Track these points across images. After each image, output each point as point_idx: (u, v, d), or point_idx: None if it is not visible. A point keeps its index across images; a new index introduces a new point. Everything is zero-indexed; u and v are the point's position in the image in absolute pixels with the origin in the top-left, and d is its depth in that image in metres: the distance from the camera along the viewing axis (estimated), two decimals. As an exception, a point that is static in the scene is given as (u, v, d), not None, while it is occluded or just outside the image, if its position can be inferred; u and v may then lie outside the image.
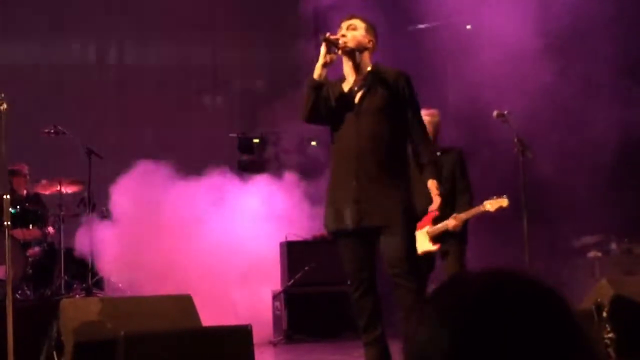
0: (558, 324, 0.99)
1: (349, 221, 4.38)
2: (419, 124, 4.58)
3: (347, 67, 4.51)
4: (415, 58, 8.30)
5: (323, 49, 4.34)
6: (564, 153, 7.86)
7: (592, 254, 8.46)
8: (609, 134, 7.84)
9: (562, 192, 7.85)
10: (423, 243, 5.86)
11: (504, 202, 5.72)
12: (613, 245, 8.48)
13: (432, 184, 4.52)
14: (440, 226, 5.84)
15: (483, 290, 1.01)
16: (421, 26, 9.14)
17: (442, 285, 1.08)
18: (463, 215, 5.84)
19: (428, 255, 5.85)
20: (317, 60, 4.40)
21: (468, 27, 8.97)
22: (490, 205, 5.79)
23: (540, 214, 6.34)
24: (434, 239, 5.86)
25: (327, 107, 4.41)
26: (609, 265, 8.21)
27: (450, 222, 5.82)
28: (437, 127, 5.88)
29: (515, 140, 5.68)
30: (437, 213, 5.84)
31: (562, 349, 0.98)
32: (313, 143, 8.97)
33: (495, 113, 5.79)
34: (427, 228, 5.88)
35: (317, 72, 4.35)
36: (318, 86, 4.35)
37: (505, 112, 5.74)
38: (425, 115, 5.83)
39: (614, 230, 8.45)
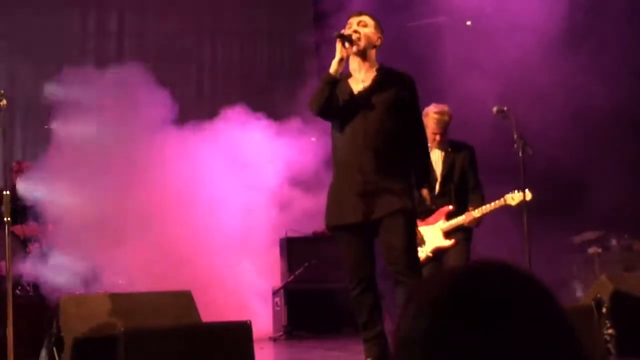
0: (538, 314, 0.99)
1: (353, 215, 4.39)
2: (420, 131, 4.67)
3: (355, 64, 4.55)
4: (416, 53, 8.30)
5: (339, 45, 4.39)
6: (565, 149, 7.85)
7: (592, 250, 8.47)
8: (613, 130, 7.83)
9: (562, 188, 7.85)
10: (437, 239, 5.83)
11: (527, 195, 5.69)
12: (613, 242, 8.49)
13: (425, 193, 4.66)
14: (455, 222, 5.81)
15: (459, 281, 1.02)
16: (423, 22, 9.13)
17: (426, 278, 1.09)
18: (485, 208, 5.80)
19: (439, 251, 5.82)
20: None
21: (468, 23, 8.96)
22: (512, 199, 5.77)
23: (540, 210, 6.33)
24: (447, 234, 5.83)
25: (337, 103, 4.46)
26: (609, 261, 8.22)
27: (467, 217, 5.80)
28: (446, 124, 5.84)
29: (515, 136, 5.67)
30: (450, 209, 5.83)
31: (539, 339, 0.98)
32: (313, 139, 8.96)
33: (495, 109, 5.78)
34: (441, 223, 5.85)
35: (334, 67, 4.41)
36: (334, 82, 4.41)
37: (505, 108, 5.72)
38: (435, 112, 5.82)
39: (614, 226, 8.45)
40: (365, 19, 4.54)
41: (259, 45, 10.98)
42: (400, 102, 4.48)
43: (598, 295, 5.34)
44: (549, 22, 7.84)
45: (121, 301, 4.82)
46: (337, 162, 4.55)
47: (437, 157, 5.88)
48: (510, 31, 7.86)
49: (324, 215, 4.60)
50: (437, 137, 5.84)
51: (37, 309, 6.07)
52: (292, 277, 8.11)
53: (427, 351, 0.98)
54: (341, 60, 4.40)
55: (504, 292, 1.00)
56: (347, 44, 4.41)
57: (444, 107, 5.87)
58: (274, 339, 7.90)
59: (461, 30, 8.85)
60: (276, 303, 8.21)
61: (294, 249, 8.32)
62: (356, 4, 7.29)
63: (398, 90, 4.49)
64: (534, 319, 0.98)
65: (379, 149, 4.40)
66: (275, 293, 8.24)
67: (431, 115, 5.82)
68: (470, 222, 5.80)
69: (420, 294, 1.03)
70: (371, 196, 4.38)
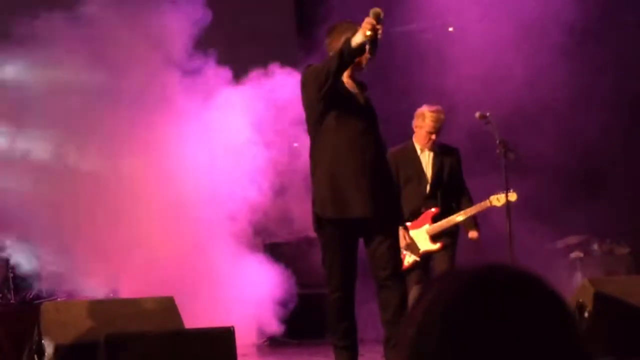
0: (549, 316, 1.00)
1: (362, 209, 4.33)
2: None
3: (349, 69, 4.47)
4: (398, 60, 8.32)
5: (367, 37, 4.07)
6: (548, 154, 7.89)
7: (574, 254, 8.50)
8: (590, 137, 7.87)
9: (544, 192, 7.88)
10: (423, 242, 5.81)
11: (512, 196, 5.70)
12: (595, 246, 8.53)
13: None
14: (444, 222, 5.81)
15: (472, 283, 1.01)
16: (404, 28, 9.16)
17: (433, 281, 1.08)
18: (468, 211, 5.81)
19: (426, 254, 5.81)
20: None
21: (450, 29, 8.99)
22: (498, 200, 5.78)
23: (523, 215, 6.36)
24: (434, 237, 5.82)
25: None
26: (591, 265, 8.26)
27: (461, 216, 5.80)
28: (442, 122, 5.83)
29: (498, 141, 5.69)
30: (436, 211, 5.83)
31: (553, 341, 0.98)
32: (295, 144, 8.95)
33: (477, 114, 5.80)
34: (427, 227, 5.84)
35: (358, 42, 4.08)
36: (361, 52, 4.14)
37: (488, 114, 5.74)
38: (432, 111, 5.80)
39: (596, 231, 8.49)
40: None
41: None
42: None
43: (580, 300, 5.37)
44: (537, 25, 7.87)
45: (103, 307, 4.80)
46: (338, 152, 4.35)
47: (427, 159, 5.88)
48: (494, 35, 7.89)
49: (321, 203, 4.38)
50: (433, 137, 5.81)
51: (17, 315, 6.02)
52: (275, 283, 8.09)
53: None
54: (363, 42, 4.07)
55: (519, 300, 0.99)
56: (368, 47, 4.11)
57: (439, 107, 5.86)
58: (258, 345, 7.87)
59: (444, 36, 8.88)
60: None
61: (277, 255, 8.29)
62: (342, 10, 7.28)
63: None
64: (549, 327, 0.98)
65: (379, 154, 4.48)
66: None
67: (428, 115, 5.78)
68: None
69: (431, 298, 1.02)
70: (376, 194, 4.37)
